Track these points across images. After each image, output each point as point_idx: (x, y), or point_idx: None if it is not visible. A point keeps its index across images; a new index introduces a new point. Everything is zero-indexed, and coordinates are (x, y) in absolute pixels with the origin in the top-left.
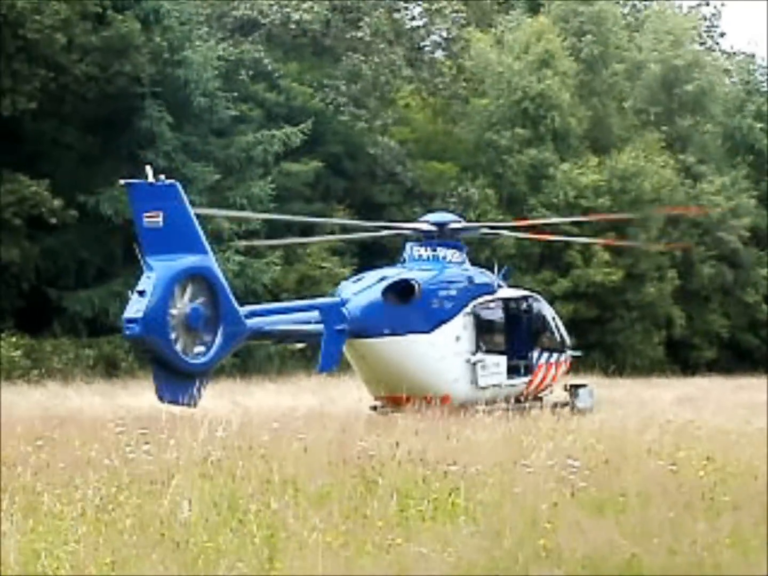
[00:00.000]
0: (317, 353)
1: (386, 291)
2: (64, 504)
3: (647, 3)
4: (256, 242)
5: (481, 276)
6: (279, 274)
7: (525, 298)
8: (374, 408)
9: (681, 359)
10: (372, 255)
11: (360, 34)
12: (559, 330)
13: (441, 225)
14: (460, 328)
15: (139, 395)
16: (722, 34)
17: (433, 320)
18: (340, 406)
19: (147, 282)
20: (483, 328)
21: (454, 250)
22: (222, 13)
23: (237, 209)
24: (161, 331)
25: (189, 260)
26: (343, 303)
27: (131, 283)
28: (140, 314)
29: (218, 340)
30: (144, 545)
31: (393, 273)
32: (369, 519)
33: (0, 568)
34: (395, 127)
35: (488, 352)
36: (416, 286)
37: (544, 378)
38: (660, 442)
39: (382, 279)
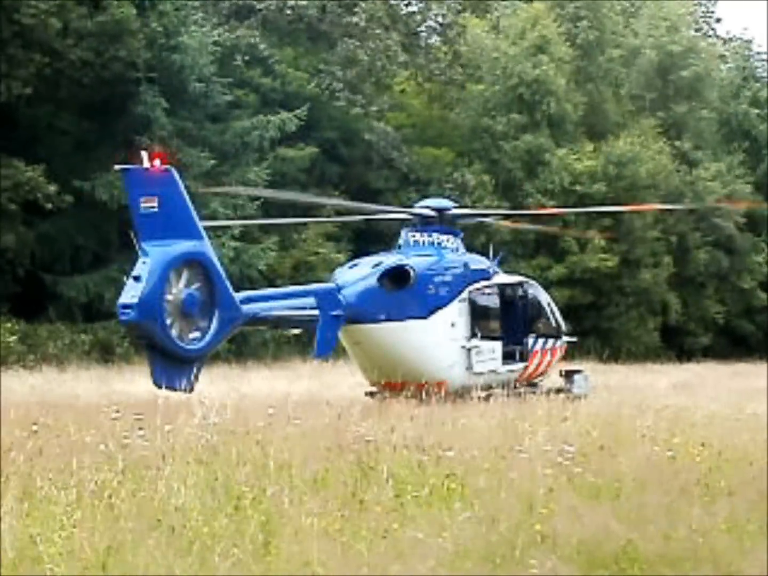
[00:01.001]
0: (313, 339)
1: (382, 277)
2: (59, 489)
3: None
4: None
5: (477, 262)
6: (274, 260)
7: (521, 284)
8: (370, 394)
9: (676, 345)
10: (367, 241)
11: (356, 20)
12: (554, 316)
13: (438, 211)
14: (455, 314)
15: (134, 381)
16: (718, 20)
17: (429, 306)
18: (335, 391)
19: (142, 267)
20: (478, 314)
21: (449, 236)
22: None
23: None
24: (157, 316)
25: (185, 246)
26: (339, 289)
27: (127, 269)
28: (136, 300)
29: (214, 325)
30: (139, 530)
31: (388, 259)
32: (365, 504)
33: None
34: (391, 112)
35: (484, 338)
36: (412, 272)
37: (539, 364)
38: (655, 427)
39: (378, 265)
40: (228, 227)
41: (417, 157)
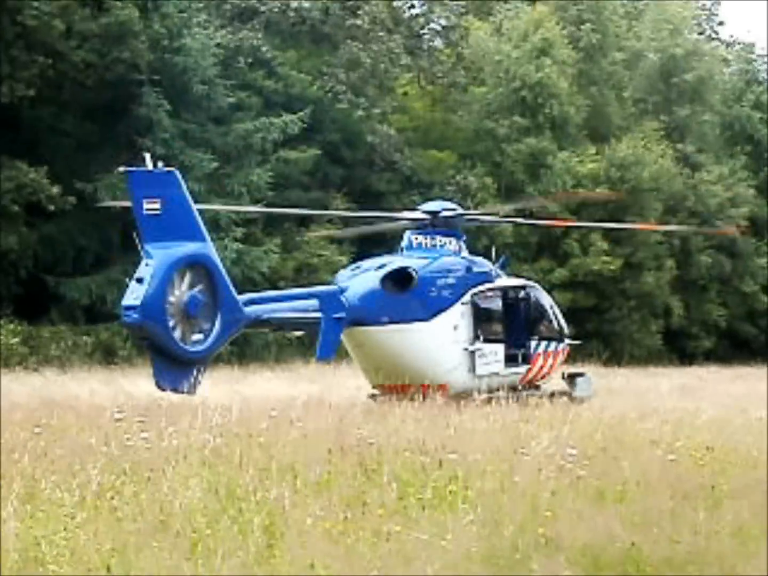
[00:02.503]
0: (315, 341)
1: (384, 279)
2: (63, 491)
3: None
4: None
5: (479, 265)
6: (277, 262)
7: (523, 287)
8: (372, 396)
9: (679, 349)
10: (370, 243)
11: (359, 22)
12: (557, 319)
13: (438, 213)
14: (458, 317)
15: (137, 383)
16: (721, 23)
17: (431, 309)
18: (338, 394)
19: (145, 269)
20: (481, 317)
21: (452, 239)
22: (220, 0)
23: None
24: (159, 318)
25: (188, 248)
26: (342, 291)
27: (129, 271)
28: (138, 301)
29: (216, 327)
30: (143, 532)
31: (391, 261)
32: (368, 507)
33: None
34: (393, 115)
35: (486, 340)
36: (414, 275)
37: (542, 367)
38: (659, 431)
39: (381, 267)
40: (231, 229)
41: (419, 160)
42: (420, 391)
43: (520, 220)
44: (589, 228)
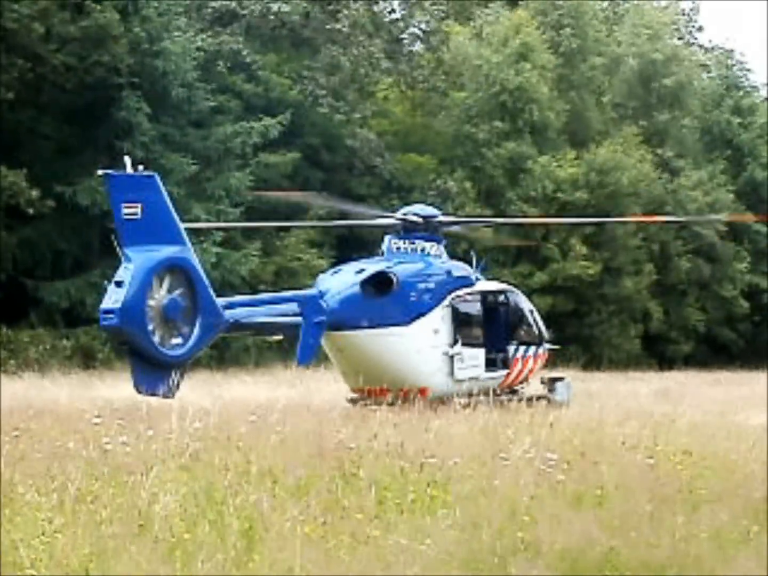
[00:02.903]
0: (295, 345)
1: (364, 283)
2: (41, 495)
3: None
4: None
5: (459, 269)
6: (257, 266)
7: (503, 291)
8: (352, 400)
9: (658, 353)
10: (350, 247)
11: (339, 26)
12: (536, 323)
13: (421, 218)
14: (438, 321)
15: (116, 386)
16: (700, 29)
17: (411, 313)
18: (317, 398)
19: (125, 273)
20: (461, 321)
21: (432, 243)
22: (201, 3)
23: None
24: (139, 322)
25: (167, 251)
26: (322, 295)
27: (108, 274)
28: (118, 305)
29: (196, 331)
30: (122, 537)
31: (371, 265)
32: (347, 511)
33: None
34: (374, 119)
35: (466, 345)
36: (394, 279)
37: (521, 371)
38: (637, 435)
39: (361, 271)
40: (210, 233)
41: (399, 164)
42: (400, 395)
43: (500, 220)
44: (572, 224)
